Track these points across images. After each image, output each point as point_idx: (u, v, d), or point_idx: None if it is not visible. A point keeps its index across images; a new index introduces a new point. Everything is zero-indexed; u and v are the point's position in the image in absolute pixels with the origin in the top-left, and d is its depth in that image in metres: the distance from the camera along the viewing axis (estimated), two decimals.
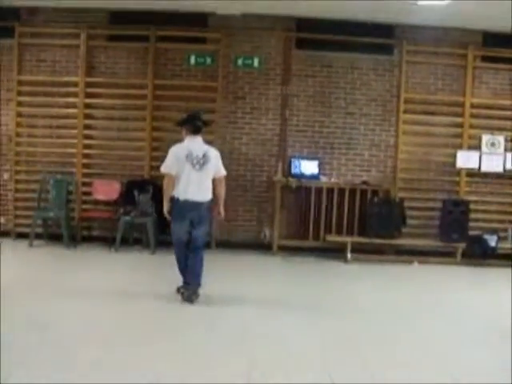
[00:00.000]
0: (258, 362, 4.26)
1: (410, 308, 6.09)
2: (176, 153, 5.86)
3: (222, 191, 6.02)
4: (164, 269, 7.30)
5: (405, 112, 8.79)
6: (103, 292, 6.11)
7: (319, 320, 5.47)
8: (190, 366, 4.17)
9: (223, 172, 6.04)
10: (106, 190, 8.71)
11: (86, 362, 4.08)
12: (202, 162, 5.79)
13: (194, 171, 5.76)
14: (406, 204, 8.61)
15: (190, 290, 5.80)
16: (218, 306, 5.76)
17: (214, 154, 5.93)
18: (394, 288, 7.06)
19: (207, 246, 8.46)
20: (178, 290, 5.95)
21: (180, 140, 6.01)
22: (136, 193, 8.46)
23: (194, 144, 5.86)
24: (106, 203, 8.72)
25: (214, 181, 5.94)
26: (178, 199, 5.79)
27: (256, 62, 8.75)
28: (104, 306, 5.60)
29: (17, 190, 8.93)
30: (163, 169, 5.90)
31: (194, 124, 5.92)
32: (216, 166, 5.93)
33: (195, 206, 5.78)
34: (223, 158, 6.13)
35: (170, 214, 5.87)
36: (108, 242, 8.38)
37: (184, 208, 5.78)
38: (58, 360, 4.12)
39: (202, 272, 5.90)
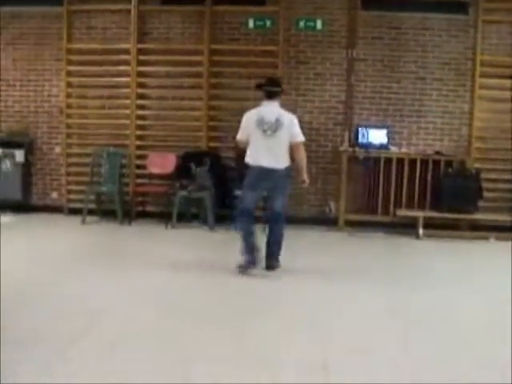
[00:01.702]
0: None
1: (484, 287, 5.61)
2: (248, 118, 5.71)
3: (301, 158, 5.70)
4: (225, 246, 6.97)
5: (481, 76, 8.12)
6: (170, 265, 5.85)
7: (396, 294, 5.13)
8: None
9: (300, 138, 5.70)
10: (161, 163, 8.31)
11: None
12: (275, 127, 5.55)
13: (265, 137, 5.56)
14: (483, 176, 8.00)
15: (268, 263, 5.66)
16: (290, 281, 5.47)
17: (288, 120, 5.62)
18: (469, 267, 6.49)
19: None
20: (241, 267, 5.65)
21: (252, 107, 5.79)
22: (193, 166, 8.02)
23: (268, 109, 5.63)
24: (162, 177, 8.33)
25: (291, 148, 5.64)
26: (250, 166, 5.62)
27: (319, 24, 8.20)
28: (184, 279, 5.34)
29: (68, 165, 8.62)
30: (238, 137, 5.79)
31: (268, 89, 5.69)
32: (290, 131, 5.62)
33: (268, 173, 5.57)
34: None
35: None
36: (164, 217, 7.97)
37: (256, 175, 5.61)
38: None
39: (281, 248, 5.69)
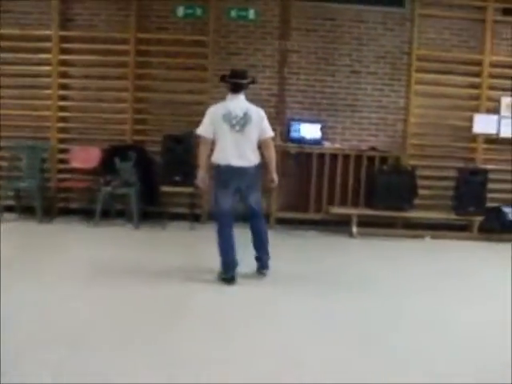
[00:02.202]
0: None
1: (418, 286, 5.48)
2: (212, 113, 5.28)
3: (270, 155, 5.36)
4: (153, 245, 6.70)
5: (417, 71, 7.93)
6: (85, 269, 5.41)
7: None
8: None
9: (270, 133, 5.36)
10: (85, 157, 7.84)
11: None
12: (243, 122, 5.19)
13: (233, 132, 5.18)
14: (418, 173, 7.83)
15: (261, 262, 5.46)
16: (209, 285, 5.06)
17: (256, 114, 5.27)
18: (403, 265, 6.31)
19: (196, 219, 7.78)
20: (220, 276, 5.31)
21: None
22: (117, 160, 7.60)
23: (234, 103, 5.26)
24: (85, 172, 7.85)
25: (259, 144, 5.31)
26: (218, 165, 5.24)
27: (251, 14, 7.88)
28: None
29: None
30: (198, 131, 5.33)
31: (233, 81, 5.31)
32: (260, 126, 5.27)
33: (238, 172, 5.20)
34: None
35: (203, 184, 5.40)
36: (88, 215, 7.53)
37: (226, 175, 5.22)
38: None
39: (268, 243, 5.49)
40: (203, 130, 5.27)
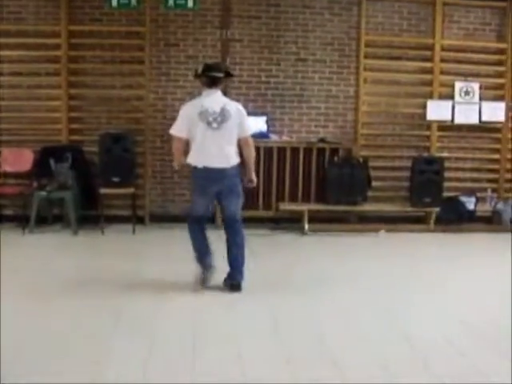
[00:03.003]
0: None
1: (376, 282, 5.20)
2: (187, 111, 4.81)
3: (250, 154, 4.94)
4: (92, 251, 6.28)
5: (366, 57, 7.66)
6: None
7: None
8: None
9: (250, 131, 4.94)
10: (17, 160, 7.36)
11: None
12: (220, 119, 4.72)
13: (211, 131, 4.71)
14: (371, 164, 7.56)
15: (233, 281, 4.85)
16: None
17: (235, 110, 4.83)
18: (359, 261, 6.00)
19: (140, 221, 7.37)
20: (202, 279, 4.88)
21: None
22: (52, 162, 7.13)
23: (210, 98, 4.79)
24: (18, 176, 7.39)
25: (238, 142, 4.88)
26: (195, 167, 4.76)
27: (190, 2, 7.40)
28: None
29: None
30: (172, 130, 4.86)
31: (211, 75, 4.82)
32: (239, 123, 4.81)
33: (218, 173, 4.73)
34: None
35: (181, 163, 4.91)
36: (23, 221, 7.05)
37: (205, 177, 4.76)
38: None
39: (245, 259, 4.90)
40: (176, 129, 4.81)
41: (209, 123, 4.70)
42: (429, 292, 4.94)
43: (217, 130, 4.71)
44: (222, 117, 4.73)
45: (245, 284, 4.85)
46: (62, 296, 4.67)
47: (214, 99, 4.79)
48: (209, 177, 4.74)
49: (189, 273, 4.91)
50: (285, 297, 4.74)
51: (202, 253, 4.87)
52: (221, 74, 4.87)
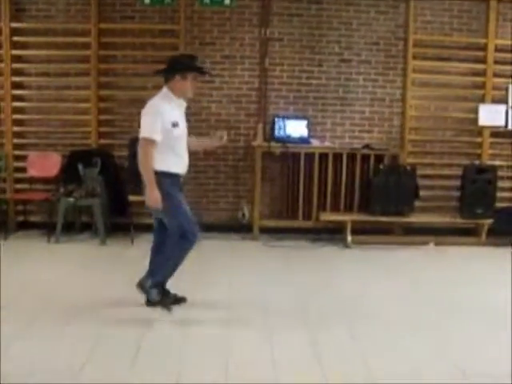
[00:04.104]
0: None
1: (424, 302, 4.80)
2: (160, 109, 4.22)
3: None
4: (119, 266, 5.83)
5: (413, 58, 7.31)
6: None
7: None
8: None
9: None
10: (44, 165, 7.11)
11: None
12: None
13: (183, 130, 4.37)
14: (418, 172, 7.15)
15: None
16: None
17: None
18: (407, 279, 5.56)
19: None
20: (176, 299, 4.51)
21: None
22: (81, 167, 6.84)
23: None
24: (45, 181, 7.12)
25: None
26: (165, 173, 4.22)
27: None
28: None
29: None
30: (148, 134, 4.16)
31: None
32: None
33: (180, 181, 4.42)
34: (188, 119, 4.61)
35: (158, 204, 4.17)
36: (49, 229, 6.74)
37: (175, 185, 4.30)
38: None
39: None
40: (154, 131, 4.14)
41: (174, 125, 4.27)
42: (491, 320, 4.39)
43: (184, 130, 4.43)
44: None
45: (281, 306, 4.51)
46: (84, 318, 4.22)
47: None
48: (178, 184, 4.36)
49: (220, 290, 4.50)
50: (326, 322, 4.25)
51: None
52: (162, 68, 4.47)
